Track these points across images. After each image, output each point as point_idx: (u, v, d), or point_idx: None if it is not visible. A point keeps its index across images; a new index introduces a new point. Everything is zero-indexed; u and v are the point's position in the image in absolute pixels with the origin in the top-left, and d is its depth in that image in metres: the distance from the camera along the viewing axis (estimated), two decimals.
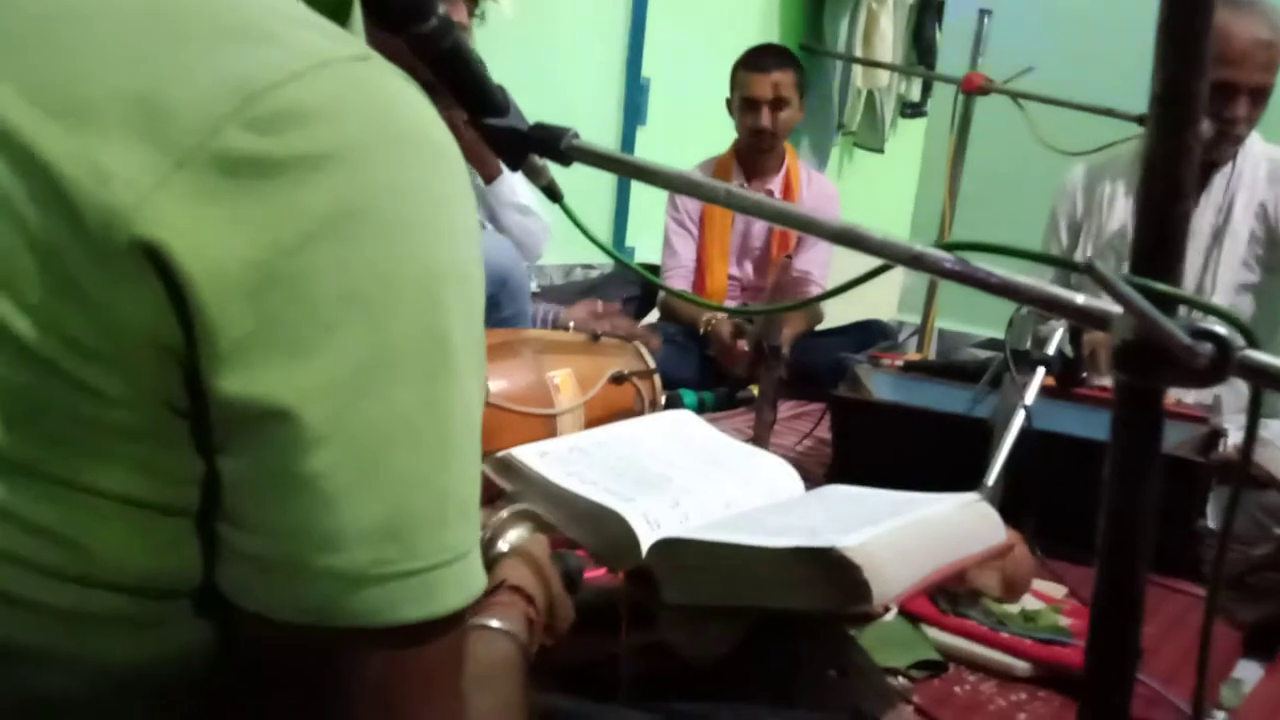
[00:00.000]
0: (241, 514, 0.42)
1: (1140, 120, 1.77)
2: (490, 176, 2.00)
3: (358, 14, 0.51)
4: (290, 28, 0.42)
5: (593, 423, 1.48)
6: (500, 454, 0.94)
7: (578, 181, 3.19)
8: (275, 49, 0.41)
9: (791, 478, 1.05)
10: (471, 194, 0.45)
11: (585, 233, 0.78)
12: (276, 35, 0.41)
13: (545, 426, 1.41)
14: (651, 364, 1.60)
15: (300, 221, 0.39)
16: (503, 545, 0.78)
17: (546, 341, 1.50)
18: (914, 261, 0.60)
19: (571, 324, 1.67)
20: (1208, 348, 0.49)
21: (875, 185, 4.49)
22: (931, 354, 2.81)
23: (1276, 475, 1.44)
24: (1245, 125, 1.75)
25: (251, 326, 0.39)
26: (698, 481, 0.96)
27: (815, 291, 2.60)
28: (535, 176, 0.75)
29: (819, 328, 2.57)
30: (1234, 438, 1.71)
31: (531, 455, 0.93)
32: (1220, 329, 0.50)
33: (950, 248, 0.59)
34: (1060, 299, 0.56)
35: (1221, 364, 0.49)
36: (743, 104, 2.50)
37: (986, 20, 2.01)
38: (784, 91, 2.48)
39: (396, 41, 0.63)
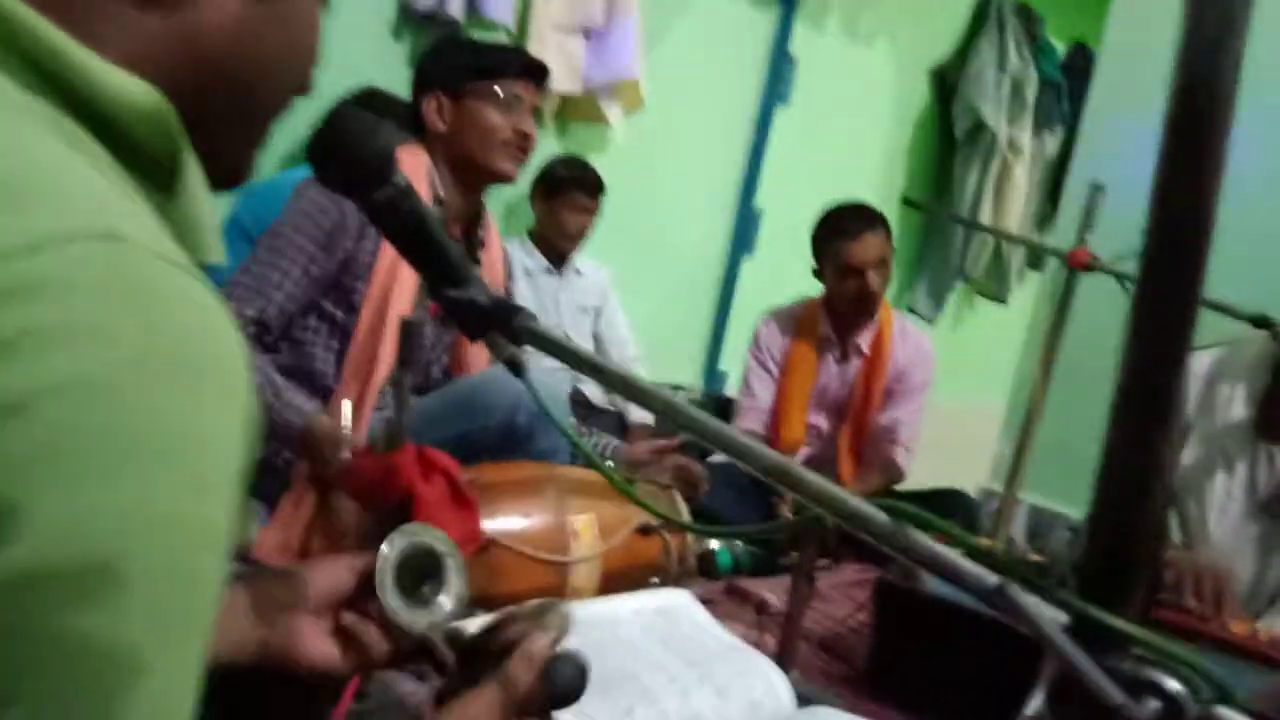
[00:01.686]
0: None
1: (1256, 322, 1.62)
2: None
3: (190, 179, 0.47)
4: (48, 196, 0.38)
5: (611, 574, 1.41)
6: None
7: (677, 303, 3.18)
8: (13, 219, 0.37)
9: (780, 691, 0.95)
10: (226, 404, 0.39)
11: (549, 417, 0.72)
12: (22, 206, 0.37)
13: (557, 574, 1.35)
14: (686, 517, 1.52)
15: None
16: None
17: (575, 481, 1.44)
18: (849, 518, 0.52)
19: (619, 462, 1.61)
20: (1153, 707, 0.39)
21: (992, 336, 4.32)
22: (1019, 533, 2.61)
23: None
24: None
25: None
26: (665, 687, 0.87)
27: (901, 452, 2.47)
28: (496, 349, 0.70)
29: (898, 488, 2.43)
30: None
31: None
32: (1173, 683, 0.40)
33: (888, 510, 0.51)
34: (1008, 593, 0.47)
35: None
36: (846, 272, 2.41)
37: (1099, 196, 1.90)
38: (886, 252, 2.42)
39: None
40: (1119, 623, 0.40)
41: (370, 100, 2.32)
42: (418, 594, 0.69)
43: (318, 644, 0.66)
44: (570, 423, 1.64)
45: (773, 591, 1.69)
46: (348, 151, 0.65)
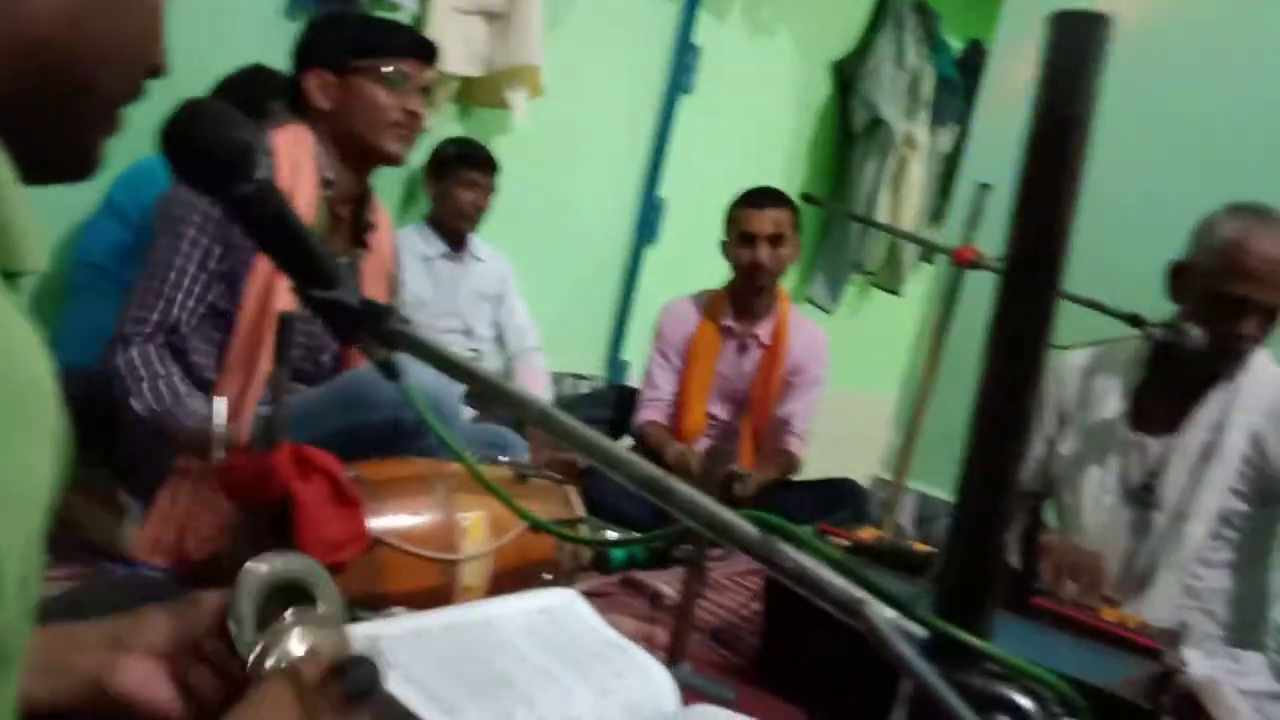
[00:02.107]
0: None
1: (1131, 320, 1.69)
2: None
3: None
4: None
5: (503, 572, 1.39)
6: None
7: (579, 292, 3.16)
8: None
9: (663, 690, 0.95)
10: (33, 429, 0.36)
11: (433, 428, 0.69)
12: None
13: (446, 573, 1.32)
14: (580, 513, 1.51)
15: None
16: (273, 660, 0.66)
17: (464, 478, 1.41)
18: (714, 527, 0.52)
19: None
20: None
21: (887, 327, 4.42)
22: (907, 521, 2.68)
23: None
24: (1252, 343, 1.65)
25: None
26: (544, 689, 0.86)
27: (794, 442, 2.51)
28: (369, 353, 0.67)
29: (792, 478, 2.47)
30: (1197, 668, 1.57)
31: (362, 640, 0.84)
32: (1024, 699, 0.40)
33: (757, 521, 0.51)
34: (865, 612, 0.47)
35: None
36: (740, 239, 2.48)
37: (986, 194, 1.95)
38: (782, 228, 2.45)
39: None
40: (971, 640, 0.41)
41: (256, 77, 2.23)
42: (277, 624, 0.66)
43: (153, 686, 0.63)
44: (464, 417, 1.61)
45: (668, 583, 1.70)
46: (200, 146, 0.61)
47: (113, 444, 1.55)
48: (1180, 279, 1.73)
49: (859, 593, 0.46)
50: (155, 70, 0.54)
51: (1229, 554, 1.71)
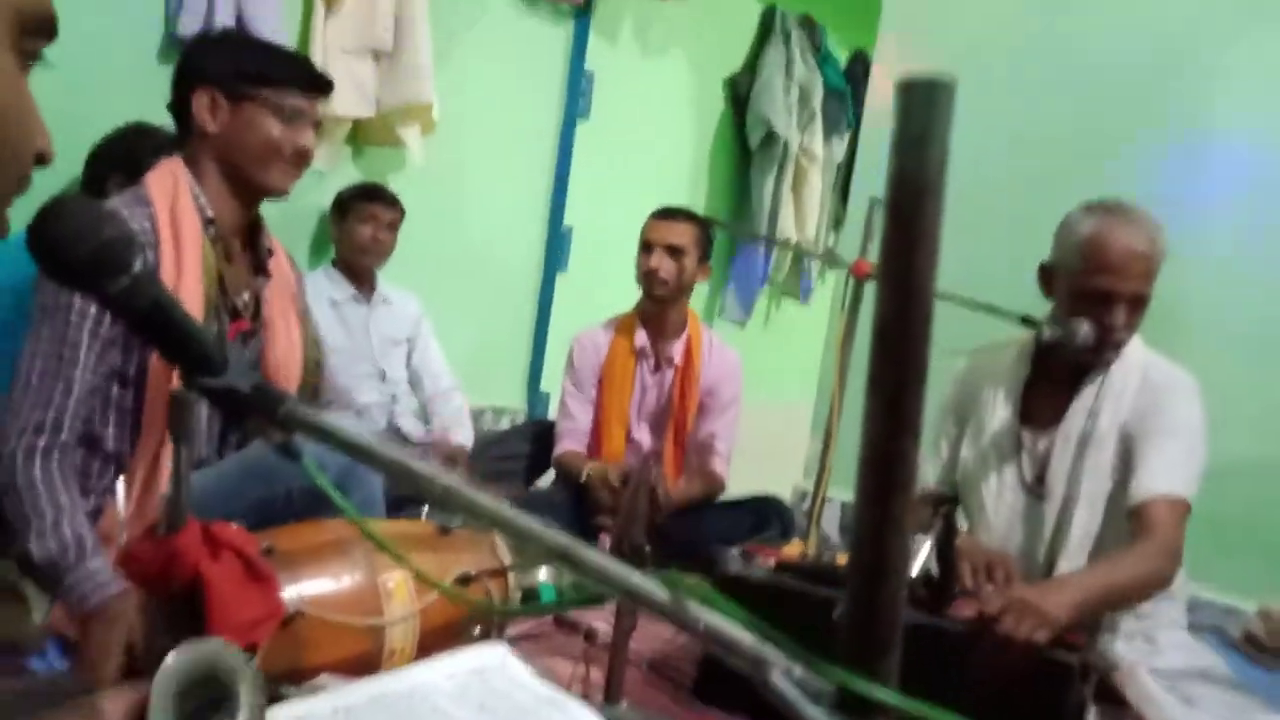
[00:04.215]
0: None
1: (1023, 321, 1.75)
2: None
3: None
4: None
5: (432, 630, 1.36)
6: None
7: (493, 325, 3.14)
8: None
9: None
10: None
11: (339, 504, 0.68)
12: None
13: (372, 639, 1.29)
14: (506, 560, 1.50)
15: None
16: None
17: (385, 536, 1.39)
18: (630, 594, 0.52)
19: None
20: None
21: (799, 333, 4.50)
22: (832, 529, 2.73)
23: (1143, 712, 1.36)
24: (1124, 332, 1.72)
25: None
26: None
27: (718, 463, 2.54)
28: (267, 437, 0.66)
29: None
30: (1114, 653, 1.63)
31: None
32: None
33: (669, 582, 0.52)
34: (770, 677, 0.48)
35: None
36: (643, 249, 2.52)
37: (877, 209, 2.01)
38: (682, 240, 2.49)
39: None
40: (874, 691, 0.42)
41: (137, 135, 2.17)
42: None
43: None
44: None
45: (601, 618, 1.69)
46: (70, 249, 0.58)
47: (12, 535, 1.47)
48: (1049, 278, 1.79)
49: (768, 653, 0.47)
50: (42, 157, 0.51)
51: (1121, 535, 1.76)
